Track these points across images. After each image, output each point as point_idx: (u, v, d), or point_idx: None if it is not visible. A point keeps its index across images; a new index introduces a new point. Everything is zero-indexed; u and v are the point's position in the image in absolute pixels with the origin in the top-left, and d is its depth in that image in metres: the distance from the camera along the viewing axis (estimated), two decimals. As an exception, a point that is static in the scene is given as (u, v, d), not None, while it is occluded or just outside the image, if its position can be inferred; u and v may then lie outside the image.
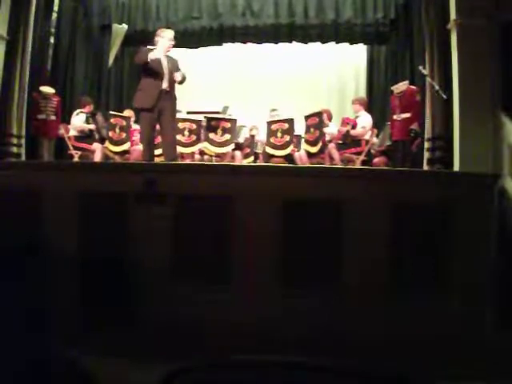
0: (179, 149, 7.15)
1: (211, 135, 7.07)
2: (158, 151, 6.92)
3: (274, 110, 7.93)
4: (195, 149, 7.29)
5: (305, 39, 9.27)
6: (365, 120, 7.16)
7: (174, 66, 5.72)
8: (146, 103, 5.51)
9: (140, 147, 7.36)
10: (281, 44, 9.45)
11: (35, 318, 3.96)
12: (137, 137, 7.67)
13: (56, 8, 8.60)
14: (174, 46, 9.39)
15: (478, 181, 4.51)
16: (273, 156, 7.17)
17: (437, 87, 5.75)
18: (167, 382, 1.28)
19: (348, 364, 1.24)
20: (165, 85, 5.57)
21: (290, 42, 9.36)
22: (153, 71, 5.52)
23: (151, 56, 5.44)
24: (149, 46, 5.71)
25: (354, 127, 7.10)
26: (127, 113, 8.08)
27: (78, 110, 7.80)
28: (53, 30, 8.64)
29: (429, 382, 1.26)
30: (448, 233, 4.27)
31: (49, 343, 1.38)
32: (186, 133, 7.14)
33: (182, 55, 7.85)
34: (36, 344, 1.39)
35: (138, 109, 5.76)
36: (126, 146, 7.52)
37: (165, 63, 5.63)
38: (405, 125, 6.39)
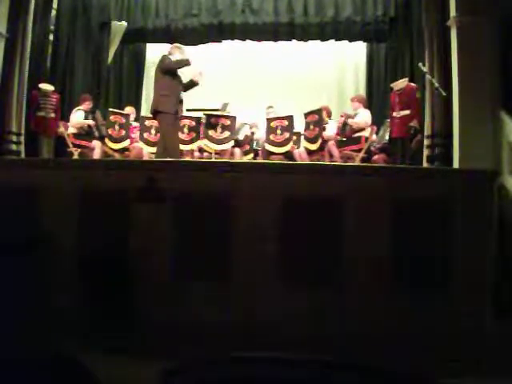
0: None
1: (211, 132, 7.06)
2: (153, 149, 6.95)
3: (270, 106, 7.92)
4: (194, 146, 7.28)
5: (304, 37, 9.24)
6: (364, 116, 7.16)
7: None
8: (172, 109, 5.91)
9: (139, 144, 7.38)
10: (280, 42, 9.42)
11: (35, 316, 3.96)
12: (136, 134, 7.66)
13: (55, 5, 8.58)
14: (174, 43, 9.39)
15: (478, 178, 4.51)
16: (272, 153, 7.16)
17: (436, 84, 5.74)
18: (167, 379, 1.28)
19: (350, 360, 1.24)
20: (182, 93, 6.10)
21: (290, 40, 9.33)
22: (177, 80, 5.99)
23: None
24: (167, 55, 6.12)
25: (347, 126, 7.08)
26: (128, 110, 8.07)
27: (76, 108, 7.79)
28: (52, 28, 8.62)
29: (433, 379, 1.26)
30: (448, 229, 4.27)
31: (49, 341, 1.39)
32: (186, 130, 7.14)
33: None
34: (36, 342, 1.39)
35: (161, 112, 5.97)
36: (125, 144, 7.52)
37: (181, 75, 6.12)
38: (404, 122, 6.38)
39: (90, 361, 1.40)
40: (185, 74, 6.30)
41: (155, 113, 6.07)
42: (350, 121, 7.06)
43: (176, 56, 6.07)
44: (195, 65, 6.26)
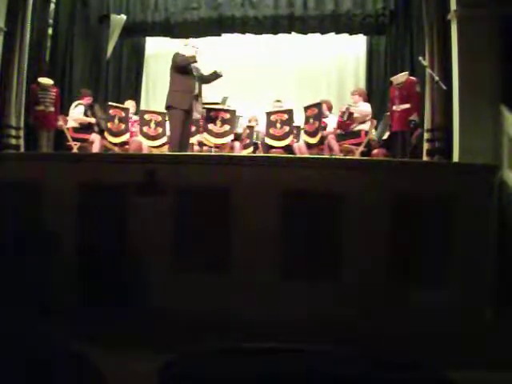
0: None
1: (210, 126, 7.05)
2: (155, 143, 6.93)
3: (278, 100, 7.87)
4: (194, 140, 7.27)
5: (304, 30, 9.21)
6: (365, 107, 7.15)
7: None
8: (183, 105, 6.01)
9: (139, 138, 7.37)
10: (280, 35, 9.39)
11: (35, 313, 3.96)
12: (136, 128, 7.65)
13: (54, -1, 8.56)
14: (173, 37, 9.35)
15: (478, 172, 4.51)
16: (272, 147, 7.17)
17: (436, 78, 5.73)
18: (166, 370, 1.28)
19: (352, 350, 1.24)
20: (196, 90, 6.14)
21: (290, 33, 9.30)
22: (189, 76, 6.10)
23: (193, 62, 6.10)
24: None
25: (350, 116, 7.05)
26: (128, 104, 8.05)
27: (76, 102, 7.77)
28: (51, 21, 8.59)
29: (439, 369, 1.26)
30: (448, 224, 4.27)
31: (50, 336, 1.39)
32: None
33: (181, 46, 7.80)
34: (37, 338, 1.39)
35: (172, 108, 6.08)
36: (125, 137, 7.50)
37: (194, 70, 6.19)
38: (404, 116, 6.37)
39: (92, 356, 1.40)
40: (205, 67, 6.48)
41: (167, 108, 6.20)
42: (352, 109, 7.01)
43: (188, 50, 6.18)
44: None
